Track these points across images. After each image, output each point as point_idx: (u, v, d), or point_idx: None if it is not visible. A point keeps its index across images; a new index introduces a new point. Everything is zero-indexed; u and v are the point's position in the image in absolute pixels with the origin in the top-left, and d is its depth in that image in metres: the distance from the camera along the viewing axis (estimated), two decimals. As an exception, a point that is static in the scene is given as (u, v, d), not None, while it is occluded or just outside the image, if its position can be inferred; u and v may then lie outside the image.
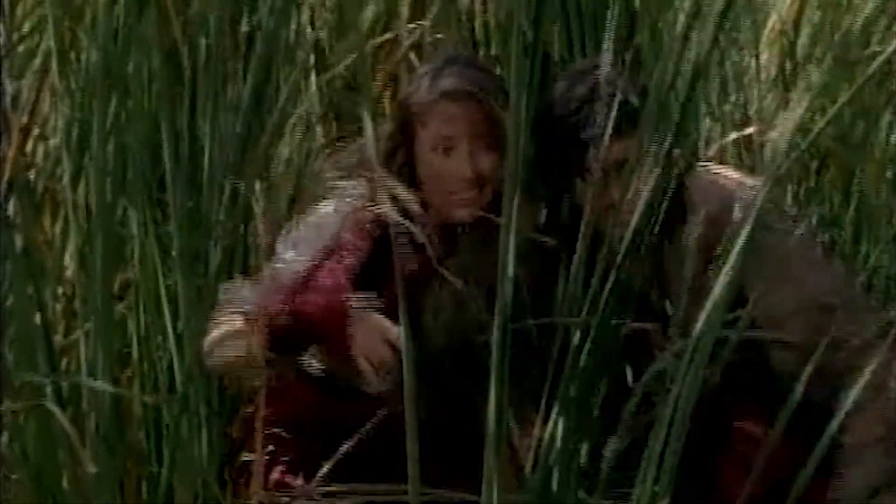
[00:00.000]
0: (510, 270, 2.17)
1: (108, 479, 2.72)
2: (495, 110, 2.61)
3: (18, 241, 2.82)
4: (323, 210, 2.79)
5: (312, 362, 2.76)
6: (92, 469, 2.59)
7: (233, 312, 2.73)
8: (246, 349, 2.66)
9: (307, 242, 2.75)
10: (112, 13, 2.80)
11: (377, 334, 2.60)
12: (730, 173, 2.74)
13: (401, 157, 2.69)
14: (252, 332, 2.65)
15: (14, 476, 2.94)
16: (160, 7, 2.93)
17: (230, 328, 2.71)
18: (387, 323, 2.61)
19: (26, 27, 3.28)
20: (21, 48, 3.26)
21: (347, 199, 2.76)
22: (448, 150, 2.65)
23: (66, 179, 2.98)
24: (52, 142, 3.19)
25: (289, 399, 2.74)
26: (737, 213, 2.35)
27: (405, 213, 2.48)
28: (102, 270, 2.76)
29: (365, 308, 2.63)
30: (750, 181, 2.66)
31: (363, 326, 2.62)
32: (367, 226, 2.73)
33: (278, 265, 2.74)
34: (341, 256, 2.71)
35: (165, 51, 3.00)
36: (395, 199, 2.51)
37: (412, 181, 2.67)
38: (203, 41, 3.02)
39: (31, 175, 3.12)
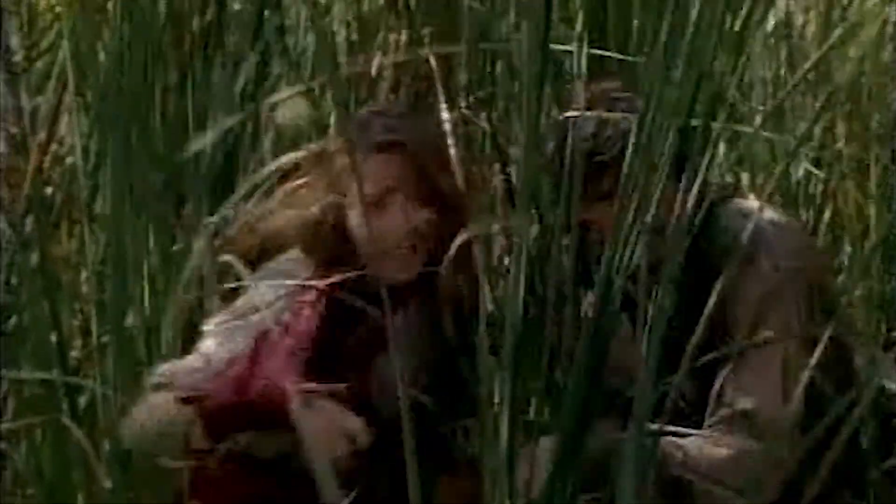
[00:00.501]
0: (521, 288, 2.12)
1: (122, 494, 2.71)
2: (428, 163, 2.49)
3: (35, 258, 2.84)
4: (255, 293, 2.58)
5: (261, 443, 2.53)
6: (107, 484, 2.58)
7: (165, 395, 2.49)
8: (179, 435, 2.45)
9: (240, 330, 2.55)
10: (125, 28, 2.81)
11: (333, 427, 2.41)
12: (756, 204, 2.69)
13: (332, 217, 2.56)
14: (187, 418, 2.45)
15: (29, 491, 2.96)
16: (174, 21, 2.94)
17: (163, 412, 2.46)
18: (344, 413, 2.42)
19: (44, 43, 3.29)
20: (39, 64, 3.27)
21: (281, 278, 2.58)
22: (381, 205, 2.51)
23: (83, 196, 2.99)
24: (70, 159, 3.20)
25: (229, 489, 2.52)
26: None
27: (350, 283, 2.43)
28: (118, 287, 2.76)
29: (315, 396, 2.43)
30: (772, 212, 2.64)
31: (316, 418, 2.40)
32: (310, 303, 2.56)
33: (210, 348, 2.55)
34: (282, 341, 2.52)
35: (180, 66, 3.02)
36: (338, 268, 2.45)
37: (345, 242, 2.55)
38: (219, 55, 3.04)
39: (49, 191, 3.12)
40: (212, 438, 2.45)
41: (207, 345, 2.56)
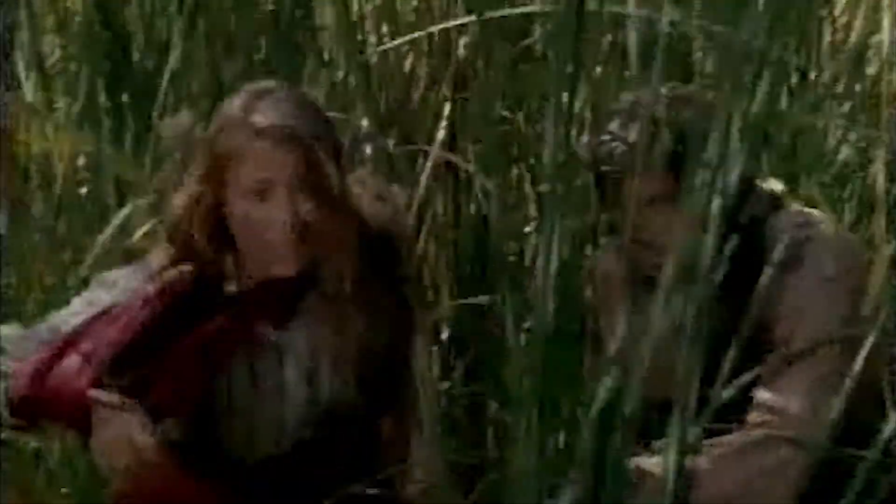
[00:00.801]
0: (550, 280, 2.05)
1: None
2: (317, 153, 2.32)
3: (66, 257, 2.87)
4: (117, 271, 2.49)
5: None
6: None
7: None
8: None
9: (90, 302, 2.43)
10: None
11: (124, 440, 2.28)
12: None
13: (206, 204, 2.37)
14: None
15: (63, 490, 2.97)
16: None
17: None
18: (136, 428, 2.28)
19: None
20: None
21: (147, 266, 2.45)
22: (264, 194, 2.33)
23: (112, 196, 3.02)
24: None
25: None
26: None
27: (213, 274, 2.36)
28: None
29: (113, 403, 2.29)
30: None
31: (109, 428, 2.28)
32: (163, 286, 2.39)
33: (57, 317, 2.44)
34: (117, 318, 2.36)
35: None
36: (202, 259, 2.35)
37: (222, 233, 2.39)
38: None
39: (83, 191, 3.14)
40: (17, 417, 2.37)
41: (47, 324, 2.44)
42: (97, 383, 2.30)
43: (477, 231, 3.31)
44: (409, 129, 3.29)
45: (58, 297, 2.83)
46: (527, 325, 3.26)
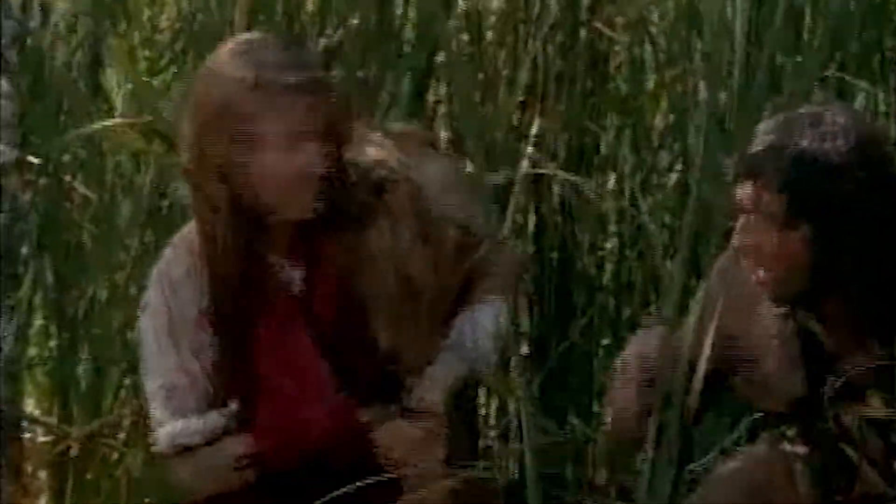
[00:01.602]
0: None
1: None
2: (342, 101, 2.40)
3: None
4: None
5: None
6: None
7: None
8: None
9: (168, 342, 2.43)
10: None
11: (413, 441, 2.42)
12: None
13: (215, 163, 2.36)
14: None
15: (147, 500, 3.01)
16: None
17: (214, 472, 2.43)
18: (414, 430, 2.42)
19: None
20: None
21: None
22: (293, 145, 2.35)
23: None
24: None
25: None
26: None
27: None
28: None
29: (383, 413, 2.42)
30: None
31: (398, 437, 2.42)
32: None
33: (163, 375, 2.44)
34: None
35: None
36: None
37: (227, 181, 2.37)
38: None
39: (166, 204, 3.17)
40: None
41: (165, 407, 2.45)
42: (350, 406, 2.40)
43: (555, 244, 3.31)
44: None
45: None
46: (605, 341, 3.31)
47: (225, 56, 2.38)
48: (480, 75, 3.31)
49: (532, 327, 3.23)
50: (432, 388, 2.43)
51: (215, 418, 2.42)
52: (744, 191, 2.32)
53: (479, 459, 2.61)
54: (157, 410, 2.44)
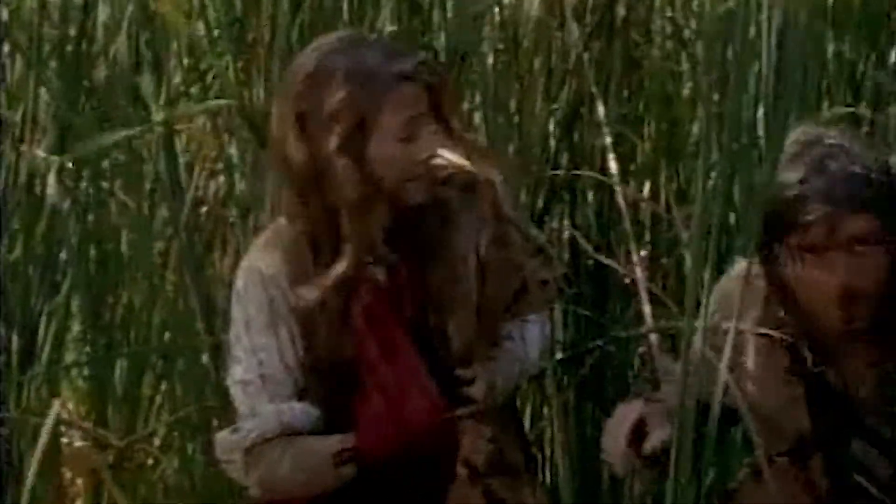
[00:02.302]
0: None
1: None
2: (447, 91, 2.43)
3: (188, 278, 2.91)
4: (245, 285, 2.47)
5: None
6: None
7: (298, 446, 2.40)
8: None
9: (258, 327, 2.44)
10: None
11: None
12: None
13: (349, 161, 2.38)
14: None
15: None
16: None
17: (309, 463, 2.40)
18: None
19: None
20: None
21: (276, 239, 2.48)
22: (410, 135, 2.39)
23: (234, 213, 3.04)
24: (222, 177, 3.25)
25: None
26: None
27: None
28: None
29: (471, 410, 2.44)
30: None
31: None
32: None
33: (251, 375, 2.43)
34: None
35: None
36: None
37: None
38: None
39: (203, 210, 3.18)
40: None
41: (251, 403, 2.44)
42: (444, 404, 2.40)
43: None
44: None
45: (180, 317, 2.89)
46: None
47: (327, 53, 2.41)
48: (516, 84, 3.32)
49: (566, 335, 3.23)
50: (478, 383, 2.44)
51: (315, 408, 2.41)
52: (853, 225, 2.28)
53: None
54: (251, 397, 2.41)
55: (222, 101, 2.95)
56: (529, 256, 2.54)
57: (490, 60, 3.34)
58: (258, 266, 2.45)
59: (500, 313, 2.51)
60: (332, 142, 2.36)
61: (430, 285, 2.44)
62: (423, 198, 2.40)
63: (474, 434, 2.44)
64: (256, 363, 2.42)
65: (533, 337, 2.54)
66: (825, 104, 3.06)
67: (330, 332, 2.41)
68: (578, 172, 3.26)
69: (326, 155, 2.36)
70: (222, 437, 2.42)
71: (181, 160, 3.14)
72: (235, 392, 2.44)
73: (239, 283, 2.47)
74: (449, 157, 2.41)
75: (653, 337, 2.64)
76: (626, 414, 2.39)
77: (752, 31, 2.60)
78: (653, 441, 2.32)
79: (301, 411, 2.39)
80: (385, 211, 2.41)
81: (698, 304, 2.19)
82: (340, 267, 2.38)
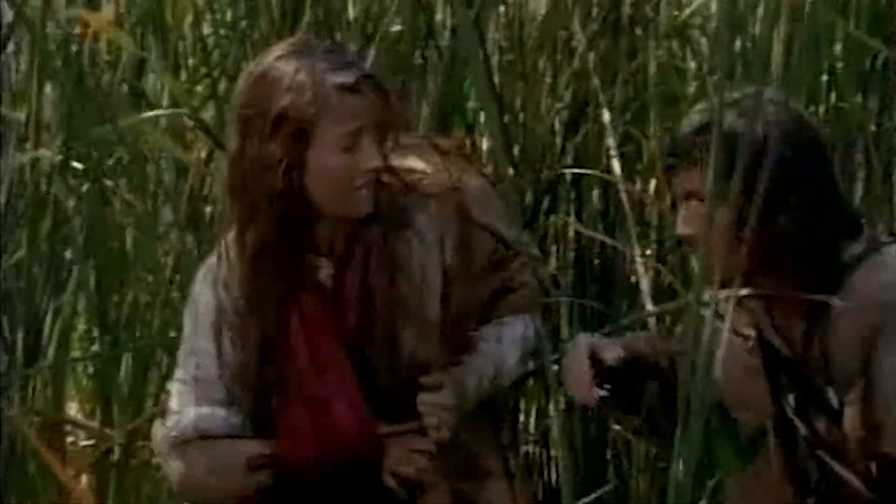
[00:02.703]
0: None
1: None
2: (396, 98, 2.45)
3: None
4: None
5: None
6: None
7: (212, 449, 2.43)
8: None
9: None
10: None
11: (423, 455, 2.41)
12: None
13: (280, 168, 2.37)
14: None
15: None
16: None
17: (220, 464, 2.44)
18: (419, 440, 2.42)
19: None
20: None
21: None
22: (351, 145, 2.38)
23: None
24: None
25: None
26: None
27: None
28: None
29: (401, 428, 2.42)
30: None
31: (398, 447, 2.41)
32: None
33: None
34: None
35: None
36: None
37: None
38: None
39: (208, 209, 3.18)
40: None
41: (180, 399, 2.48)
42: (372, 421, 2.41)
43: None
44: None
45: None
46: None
47: (276, 59, 2.40)
48: (521, 83, 3.32)
49: (572, 333, 3.22)
50: (445, 389, 2.42)
51: (238, 415, 2.44)
52: (684, 178, 2.35)
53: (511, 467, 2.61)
54: (181, 396, 2.45)
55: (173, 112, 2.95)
56: (512, 258, 2.52)
57: (495, 59, 3.34)
58: (213, 270, 2.48)
59: (472, 317, 2.50)
60: (274, 149, 2.36)
61: (377, 295, 2.43)
62: (368, 208, 2.40)
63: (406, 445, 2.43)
64: (194, 365, 2.45)
65: (511, 338, 2.52)
66: (832, 96, 3.07)
67: (261, 340, 2.42)
68: (583, 171, 3.26)
69: (269, 162, 2.36)
70: (156, 428, 2.47)
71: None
72: (172, 389, 2.49)
73: (196, 285, 2.50)
74: (397, 165, 2.43)
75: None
76: (578, 348, 2.43)
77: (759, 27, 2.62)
78: (610, 358, 2.40)
79: (222, 418, 2.43)
80: (330, 220, 2.41)
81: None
82: (259, 268, 2.40)
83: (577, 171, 3.25)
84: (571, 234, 3.33)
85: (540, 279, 2.59)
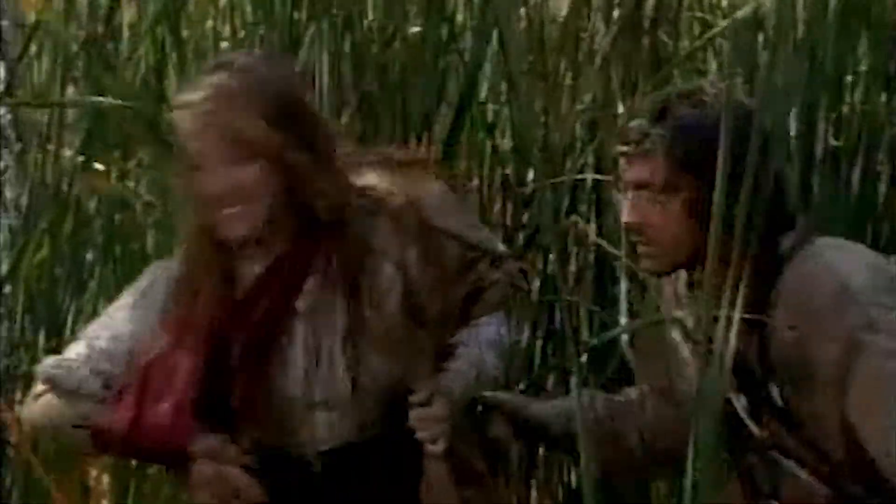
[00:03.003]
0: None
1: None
2: (235, 118, 2.30)
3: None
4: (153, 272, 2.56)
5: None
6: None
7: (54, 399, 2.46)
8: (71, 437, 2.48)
9: (136, 311, 2.50)
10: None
11: (225, 485, 2.38)
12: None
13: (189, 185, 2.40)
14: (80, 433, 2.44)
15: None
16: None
17: (56, 415, 2.46)
18: (235, 473, 2.38)
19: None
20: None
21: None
22: (198, 166, 2.34)
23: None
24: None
25: None
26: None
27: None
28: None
29: (212, 448, 2.40)
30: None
31: (207, 474, 2.38)
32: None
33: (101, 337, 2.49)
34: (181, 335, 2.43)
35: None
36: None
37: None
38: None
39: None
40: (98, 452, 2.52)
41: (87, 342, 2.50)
42: (190, 430, 2.40)
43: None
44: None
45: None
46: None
47: (195, 79, 2.44)
48: (541, 84, 3.32)
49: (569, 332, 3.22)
50: (437, 401, 2.42)
51: (100, 389, 2.43)
52: (637, 167, 2.38)
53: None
54: (72, 349, 2.48)
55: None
56: (480, 258, 2.52)
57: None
58: (167, 265, 2.53)
59: (450, 323, 2.50)
60: (181, 169, 2.38)
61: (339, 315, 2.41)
62: (241, 234, 2.35)
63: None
64: (102, 330, 2.48)
65: (487, 339, 2.52)
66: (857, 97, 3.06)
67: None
68: (601, 178, 3.25)
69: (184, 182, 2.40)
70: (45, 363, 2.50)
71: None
72: (76, 337, 2.52)
73: (144, 275, 2.55)
74: (356, 184, 2.43)
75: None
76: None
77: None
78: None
79: (84, 376, 2.42)
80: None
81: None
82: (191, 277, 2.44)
83: (595, 177, 3.25)
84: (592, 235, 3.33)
85: (509, 274, 2.58)
